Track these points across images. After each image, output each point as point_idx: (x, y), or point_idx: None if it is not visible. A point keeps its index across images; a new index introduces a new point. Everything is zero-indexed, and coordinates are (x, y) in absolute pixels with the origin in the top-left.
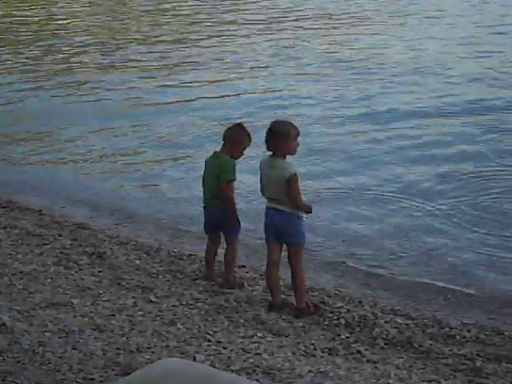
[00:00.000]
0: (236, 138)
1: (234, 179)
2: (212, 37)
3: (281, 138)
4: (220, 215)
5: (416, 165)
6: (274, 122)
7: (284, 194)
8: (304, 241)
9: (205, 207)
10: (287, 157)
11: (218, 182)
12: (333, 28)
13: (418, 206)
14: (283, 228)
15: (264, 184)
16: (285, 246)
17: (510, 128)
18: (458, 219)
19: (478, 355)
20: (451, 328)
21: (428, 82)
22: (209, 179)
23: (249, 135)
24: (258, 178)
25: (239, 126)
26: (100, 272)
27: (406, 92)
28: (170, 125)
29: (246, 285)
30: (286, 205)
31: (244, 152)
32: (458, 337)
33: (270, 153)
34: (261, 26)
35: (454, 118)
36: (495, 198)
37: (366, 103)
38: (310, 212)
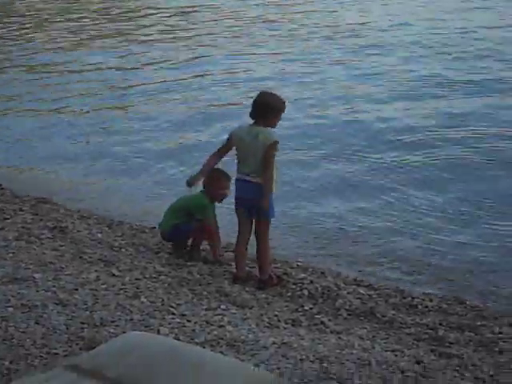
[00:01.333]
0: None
1: None
2: None
3: (274, 111)
4: None
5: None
6: (266, 94)
7: (260, 164)
8: (273, 214)
9: None
10: None
11: None
12: None
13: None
14: (254, 201)
15: (240, 154)
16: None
17: None
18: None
19: (440, 324)
20: (413, 298)
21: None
22: None
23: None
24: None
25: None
26: (62, 246)
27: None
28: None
29: (209, 259)
30: (259, 176)
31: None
32: (420, 306)
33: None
34: None
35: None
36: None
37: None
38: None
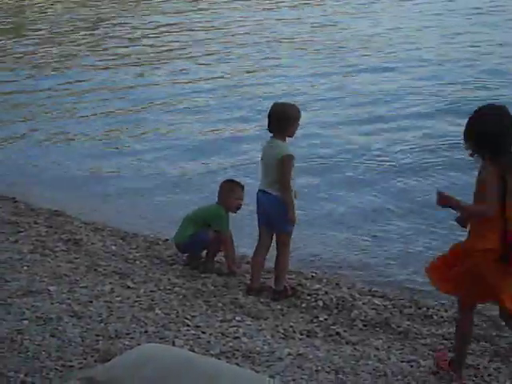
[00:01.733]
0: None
1: None
2: None
3: (290, 121)
4: None
5: None
6: (280, 105)
7: (276, 176)
8: (292, 227)
9: None
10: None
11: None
12: None
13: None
14: (272, 213)
15: (262, 167)
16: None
17: None
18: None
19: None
20: (428, 308)
21: None
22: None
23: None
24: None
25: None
26: (76, 259)
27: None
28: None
29: (223, 270)
30: (276, 188)
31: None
32: (435, 317)
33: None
34: None
35: None
36: None
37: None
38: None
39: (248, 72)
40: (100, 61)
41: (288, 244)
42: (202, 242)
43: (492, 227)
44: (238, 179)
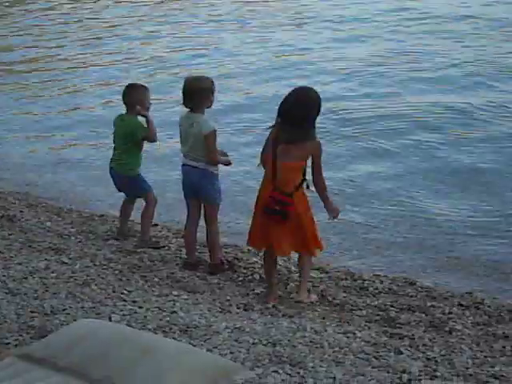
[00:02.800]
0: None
1: None
2: None
3: (203, 93)
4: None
5: None
6: (191, 79)
7: (201, 150)
8: (220, 198)
9: None
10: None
11: None
12: None
13: None
14: (199, 185)
15: (182, 140)
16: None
17: None
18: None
19: (391, 306)
20: (364, 280)
21: None
22: None
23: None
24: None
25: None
26: (10, 235)
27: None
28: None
29: (160, 244)
30: (202, 161)
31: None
32: (371, 288)
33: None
34: None
35: None
36: None
37: None
38: (229, 164)
39: None
40: None
41: (216, 215)
42: (139, 189)
43: None
44: None
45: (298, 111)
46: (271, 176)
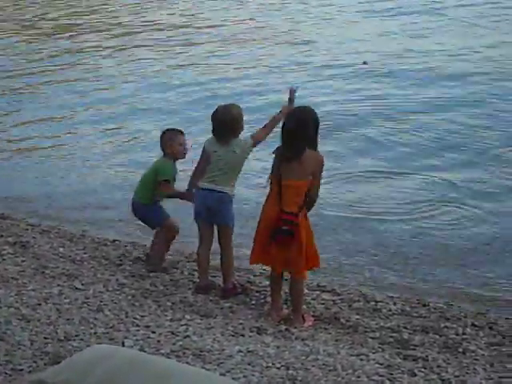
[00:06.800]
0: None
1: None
2: None
3: (240, 122)
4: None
5: None
6: (218, 112)
7: (230, 174)
8: (234, 222)
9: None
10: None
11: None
12: None
13: None
14: (216, 209)
15: (212, 167)
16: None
17: None
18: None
19: (404, 327)
20: (377, 302)
21: None
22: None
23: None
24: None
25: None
26: (24, 261)
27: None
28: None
29: (171, 269)
30: (222, 185)
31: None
32: (384, 310)
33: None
34: None
35: None
36: None
37: None
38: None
39: None
40: None
41: (231, 239)
42: (153, 219)
43: None
44: None
45: (296, 129)
46: (277, 196)
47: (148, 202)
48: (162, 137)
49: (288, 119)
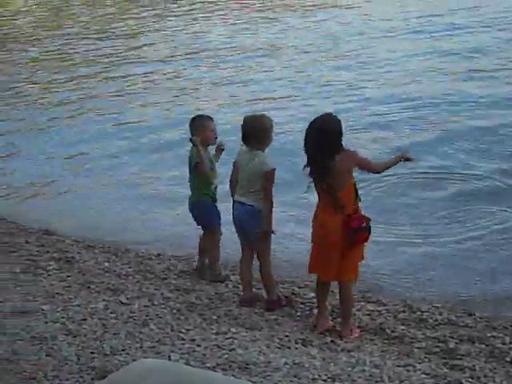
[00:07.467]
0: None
1: None
2: None
3: (265, 133)
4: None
5: None
6: (252, 118)
7: (255, 187)
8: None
9: None
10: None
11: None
12: None
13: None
14: (246, 224)
15: (237, 176)
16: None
17: None
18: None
19: (450, 337)
20: (422, 312)
21: None
22: None
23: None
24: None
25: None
26: (69, 277)
27: None
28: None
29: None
30: (251, 198)
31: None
32: (430, 320)
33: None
34: None
35: None
36: None
37: None
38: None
39: None
40: None
41: (267, 253)
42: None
43: None
44: None
45: (313, 142)
46: (332, 205)
47: (198, 196)
48: (192, 123)
49: (307, 135)
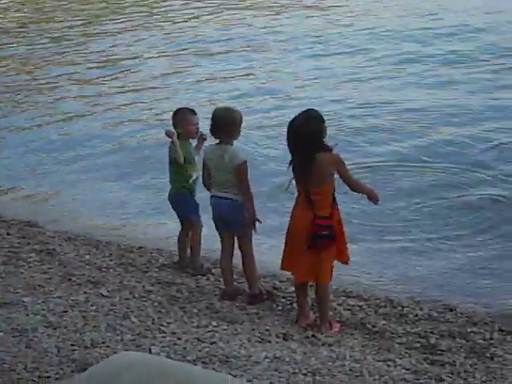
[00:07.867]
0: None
1: None
2: None
3: (237, 126)
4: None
5: None
6: (225, 110)
7: (230, 181)
8: (251, 229)
9: None
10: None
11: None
12: None
13: None
14: (228, 217)
15: (209, 172)
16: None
17: None
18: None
19: (431, 332)
20: (403, 307)
21: None
22: None
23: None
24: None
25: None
26: (50, 269)
27: None
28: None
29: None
30: (230, 192)
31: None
32: (410, 315)
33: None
34: None
35: None
36: None
37: None
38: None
39: None
40: None
41: (250, 245)
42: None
43: None
44: None
45: (291, 142)
46: (306, 201)
47: (177, 188)
48: (174, 116)
49: (290, 130)
